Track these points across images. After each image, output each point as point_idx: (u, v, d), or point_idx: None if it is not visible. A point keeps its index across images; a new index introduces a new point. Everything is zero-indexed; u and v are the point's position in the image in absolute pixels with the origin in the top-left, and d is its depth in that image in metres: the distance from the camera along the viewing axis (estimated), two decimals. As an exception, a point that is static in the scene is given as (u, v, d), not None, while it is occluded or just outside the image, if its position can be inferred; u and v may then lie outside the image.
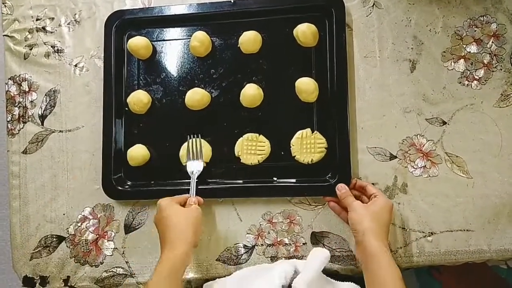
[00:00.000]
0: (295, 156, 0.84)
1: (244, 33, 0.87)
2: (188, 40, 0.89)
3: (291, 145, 0.84)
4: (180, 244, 0.71)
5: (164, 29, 0.92)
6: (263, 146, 0.85)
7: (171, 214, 0.74)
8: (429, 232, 0.80)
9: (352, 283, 0.74)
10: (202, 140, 0.86)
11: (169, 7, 0.91)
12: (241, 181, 0.86)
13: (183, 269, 0.71)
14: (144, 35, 0.91)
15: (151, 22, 0.92)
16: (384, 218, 0.72)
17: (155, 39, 0.92)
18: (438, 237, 0.80)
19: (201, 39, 0.87)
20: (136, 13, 0.92)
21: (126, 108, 0.90)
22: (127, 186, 0.88)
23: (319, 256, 0.71)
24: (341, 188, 0.78)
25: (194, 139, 0.86)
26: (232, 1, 0.89)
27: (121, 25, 0.91)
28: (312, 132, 0.84)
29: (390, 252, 0.69)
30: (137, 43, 0.88)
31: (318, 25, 0.85)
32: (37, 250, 0.90)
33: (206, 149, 0.86)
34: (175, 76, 0.90)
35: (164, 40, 0.92)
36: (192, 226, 0.74)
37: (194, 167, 0.85)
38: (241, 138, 0.86)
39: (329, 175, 0.83)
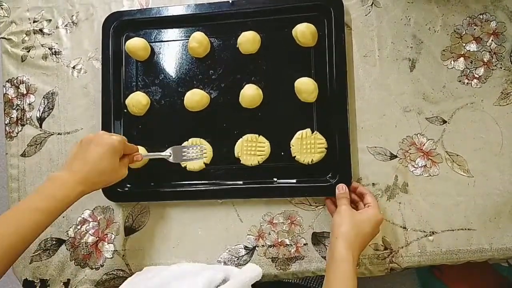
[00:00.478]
0: (295, 156, 0.83)
1: (243, 33, 0.87)
2: (187, 41, 0.89)
3: (291, 146, 0.84)
4: (91, 185, 0.71)
5: (162, 30, 0.91)
6: (263, 146, 0.85)
7: (106, 154, 0.72)
8: (430, 232, 0.80)
9: None
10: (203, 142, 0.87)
11: (167, 8, 0.90)
12: (241, 182, 0.85)
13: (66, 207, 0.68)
14: (142, 37, 0.91)
15: (149, 23, 0.91)
16: (365, 230, 0.71)
17: (153, 40, 0.91)
18: (439, 237, 0.80)
19: (199, 40, 0.86)
20: (133, 14, 0.91)
21: (125, 110, 0.89)
22: (126, 188, 0.88)
23: (249, 272, 0.69)
24: (341, 189, 0.78)
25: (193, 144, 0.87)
26: (231, 2, 0.88)
27: (118, 26, 0.91)
28: (312, 132, 0.83)
29: (356, 265, 0.68)
30: (135, 45, 0.88)
31: (317, 25, 0.85)
32: (37, 253, 0.90)
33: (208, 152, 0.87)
34: (174, 77, 0.90)
35: (162, 41, 0.91)
36: (111, 180, 0.74)
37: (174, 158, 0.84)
38: (240, 139, 0.85)
39: (330, 175, 0.82)
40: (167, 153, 0.84)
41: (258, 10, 0.88)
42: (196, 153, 0.84)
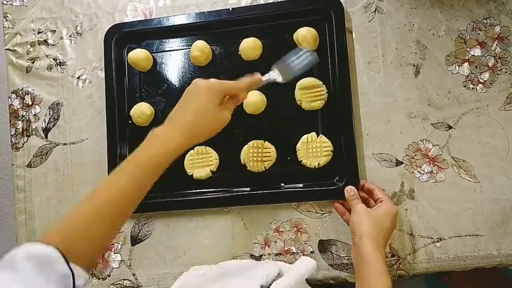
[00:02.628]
0: (301, 160, 0.83)
1: (244, 40, 0.87)
2: (188, 50, 0.89)
3: (297, 150, 0.84)
4: (191, 140, 0.65)
5: (163, 40, 0.92)
6: (269, 152, 0.84)
7: (202, 102, 0.65)
8: (437, 238, 0.80)
9: None
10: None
11: (168, 18, 0.90)
12: (248, 189, 0.85)
13: (170, 161, 0.63)
14: (144, 47, 0.91)
15: (151, 34, 0.92)
16: (385, 224, 0.71)
17: (155, 51, 0.92)
18: (446, 243, 0.79)
19: (201, 48, 0.87)
20: (135, 25, 0.92)
21: (130, 121, 0.89)
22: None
23: (306, 264, 0.70)
24: (350, 191, 0.78)
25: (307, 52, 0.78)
26: (231, 9, 0.88)
27: (120, 38, 0.92)
28: (317, 136, 0.83)
29: (385, 260, 0.68)
30: (137, 56, 0.88)
31: (318, 28, 0.85)
32: (44, 264, 0.90)
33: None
34: (177, 86, 0.90)
35: (164, 51, 0.92)
36: (214, 130, 0.67)
37: (276, 71, 0.75)
38: (246, 146, 0.85)
39: (337, 178, 0.82)
40: (275, 75, 0.74)
41: (258, 16, 0.88)
42: (303, 58, 0.77)
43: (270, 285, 0.65)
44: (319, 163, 0.82)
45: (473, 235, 0.79)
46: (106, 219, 0.57)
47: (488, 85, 0.81)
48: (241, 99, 0.71)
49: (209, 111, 0.65)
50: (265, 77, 0.73)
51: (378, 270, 0.66)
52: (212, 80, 0.67)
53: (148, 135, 0.64)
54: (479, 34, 0.83)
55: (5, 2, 1.01)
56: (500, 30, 0.82)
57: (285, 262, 0.81)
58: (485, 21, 0.83)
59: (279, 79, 0.75)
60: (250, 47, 0.86)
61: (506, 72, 0.81)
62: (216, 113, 0.66)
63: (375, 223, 0.71)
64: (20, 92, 0.97)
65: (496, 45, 0.82)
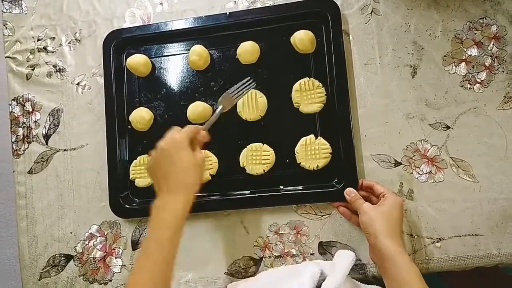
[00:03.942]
0: (300, 163, 0.84)
1: (242, 44, 0.87)
2: (187, 54, 0.90)
3: (295, 152, 0.84)
4: (188, 195, 0.68)
5: (162, 46, 0.92)
6: (268, 155, 0.85)
7: (179, 156, 0.69)
8: (437, 238, 0.80)
9: (378, 286, 0.74)
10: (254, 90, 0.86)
11: (166, 23, 0.91)
12: (248, 192, 0.86)
13: (184, 220, 0.67)
14: (142, 53, 0.92)
15: (149, 39, 0.92)
16: (395, 217, 0.72)
17: (153, 56, 0.92)
18: (446, 243, 0.79)
19: (199, 53, 0.87)
20: (133, 31, 0.92)
21: (129, 126, 0.90)
22: (134, 204, 0.88)
23: (347, 258, 0.70)
24: (350, 193, 0.78)
25: (247, 82, 0.83)
26: (228, 13, 0.89)
27: (119, 44, 0.92)
28: (316, 138, 0.83)
29: (406, 251, 0.68)
30: (136, 61, 0.89)
31: (315, 31, 0.85)
32: (46, 269, 0.91)
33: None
34: (175, 91, 0.91)
35: (162, 56, 0.92)
36: (200, 174, 0.71)
37: (222, 101, 0.81)
38: (245, 149, 0.86)
39: (336, 180, 0.82)
40: (220, 107, 0.80)
41: (255, 20, 0.88)
42: (243, 89, 0.82)
43: (318, 286, 0.66)
44: (318, 165, 0.83)
45: (472, 235, 0.79)
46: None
47: (485, 85, 0.81)
48: (204, 140, 0.76)
49: (188, 162, 0.69)
50: (215, 113, 0.79)
51: (405, 263, 0.66)
52: (175, 134, 0.71)
53: (151, 212, 0.67)
54: (475, 34, 0.83)
55: (4, 10, 1.02)
56: (496, 29, 0.82)
57: (324, 260, 0.81)
58: (482, 21, 0.83)
59: (222, 109, 0.81)
60: (247, 51, 0.87)
61: (503, 72, 0.81)
62: (194, 160, 0.70)
63: (386, 218, 0.71)
64: (21, 99, 0.98)
65: (493, 44, 0.82)
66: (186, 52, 0.90)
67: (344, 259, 0.70)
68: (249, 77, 0.83)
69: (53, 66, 0.98)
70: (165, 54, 0.92)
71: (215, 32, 0.90)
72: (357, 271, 0.81)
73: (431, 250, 0.80)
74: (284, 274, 0.77)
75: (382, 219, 0.71)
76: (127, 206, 0.88)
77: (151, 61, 0.91)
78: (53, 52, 0.98)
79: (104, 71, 0.92)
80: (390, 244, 0.68)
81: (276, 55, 0.88)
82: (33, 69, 0.98)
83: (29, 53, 0.99)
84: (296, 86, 0.85)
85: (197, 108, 0.87)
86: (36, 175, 0.94)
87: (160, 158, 0.70)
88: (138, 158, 0.89)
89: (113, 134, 0.89)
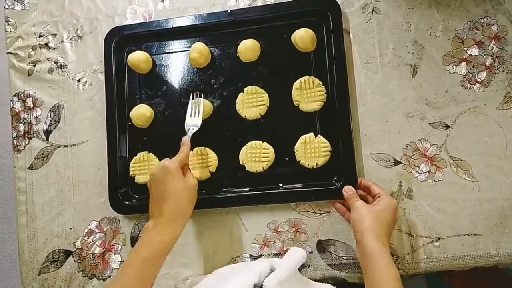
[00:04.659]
0: (299, 161, 0.84)
1: (242, 41, 0.87)
2: (187, 51, 0.90)
3: (295, 150, 0.84)
4: (180, 222, 0.72)
5: (163, 43, 0.93)
6: (267, 153, 0.85)
7: (173, 184, 0.72)
8: (436, 238, 0.80)
9: (329, 284, 0.74)
10: (204, 99, 0.87)
11: (167, 20, 0.91)
12: (247, 189, 0.86)
13: (170, 248, 0.71)
14: (143, 50, 0.92)
15: (150, 37, 0.93)
16: (386, 218, 0.71)
17: (154, 53, 0.92)
18: (445, 242, 0.79)
19: (200, 50, 0.87)
20: (134, 28, 0.92)
21: (130, 123, 0.90)
22: (134, 201, 0.89)
23: (295, 254, 0.70)
24: (348, 190, 0.78)
25: (196, 98, 0.86)
26: (229, 11, 0.89)
27: (120, 41, 0.92)
28: (315, 136, 0.84)
29: (390, 253, 0.68)
30: (137, 58, 0.89)
31: (315, 29, 0.85)
32: (45, 265, 0.91)
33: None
34: (176, 88, 0.91)
35: (163, 53, 0.92)
36: (192, 200, 0.74)
37: (191, 123, 0.84)
38: (245, 146, 0.86)
39: (335, 178, 0.82)
40: (191, 130, 0.83)
41: (256, 18, 0.88)
42: (196, 104, 0.85)
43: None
44: (317, 163, 0.83)
45: (471, 234, 0.79)
46: None
47: (485, 85, 0.81)
48: (188, 164, 0.79)
49: (181, 189, 0.72)
50: (188, 137, 0.81)
51: (384, 263, 0.66)
52: (166, 163, 0.74)
53: (142, 234, 0.72)
54: (476, 33, 0.83)
55: (6, 7, 1.03)
56: (497, 29, 0.82)
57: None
58: (482, 21, 0.83)
59: (195, 129, 0.83)
60: (248, 48, 0.87)
61: (503, 71, 0.81)
62: (185, 187, 0.73)
63: (376, 218, 0.71)
64: (22, 95, 0.98)
65: (493, 44, 0.82)
66: (187, 49, 0.91)
67: (292, 256, 0.70)
68: (194, 93, 0.86)
69: (55, 62, 0.98)
70: (166, 51, 0.92)
71: (216, 30, 0.90)
72: (356, 269, 0.81)
73: (429, 250, 0.80)
74: (237, 270, 0.77)
75: (371, 217, 0.71)
76: (127, 203, 0.88)
77: (152, 58, 0.92)
78: (54, 49, 0.99)
79: (105, 68, 0.92)
80: (374, 243, 0.67)
81: (277, 53, 0.88)
82: (34, 65, 0.98)
83: (30, 49, 0.99)
84: (296, 84, 0.85)
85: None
86: (36, 170, 0.95)
87: (153, 185, 0.74)
88: (138, 154, 0.89)
89: (114, 131, 0.89)
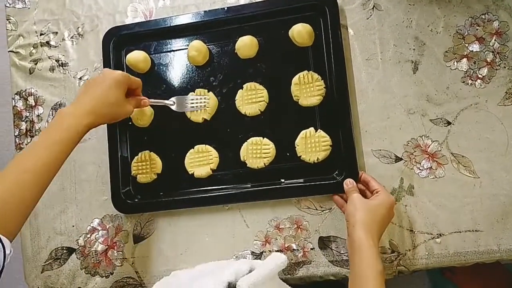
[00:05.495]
0: (300, 156, 0.84)
1: (240, 38, 0.87)
2: (186, 50, 0.90)
3: (295, 146, 0.84)
4: (97, 121, 0.75)
5: (161, 42, 0.93)
6: (268, 148, 0.85)
7: (114, 92, 0.76)
8: (437, 234, 0.80)
9: None
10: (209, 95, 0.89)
11: (164, 19, 0.91)
12: (249, 185, 0.86)
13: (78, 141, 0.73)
14: (141, 49, 0.92)
15: (148, 36, 0.92)
16: (380, 214, 0.71)
17: (153, 52, 0.93)
18: (446, 239, 0.79)
19: (198, 48, 0.87)
20: (132, 27, 0.92)
21: (130, 122, 0.90)
22: (136, 200, 0.89)
23: (274, 259, 0.69)
24: (349, 183, 0.78)
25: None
26: (226, 8, 0.89)
27: (118, 41, 0.92)
28: (316, 131, 0.84)
29: (378, 249, 0.68)
30: (135, 58, 0.90)
31: (313, 24, 0.85)
32: (48, 262, 0.92)
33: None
34: (175, 86, 0.91)
35: (162, 52, 0.92)
36: (116, 117, 0.79)
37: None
38: (245, 143, 0.86)
39: (336, 172, 0.83)
40: (171, 102, 0.87)
41: (253, 14, 0.88)
42: (199, 102, 0.87)
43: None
44: (318, 158, 0.83)
45: (473, 231, 0.79)
46: (29, 186, 0.66)
47: (486, 81, 0.81)
48: (143, 105, 0.84)
49: (114, 98, 0.76)
50: (165, 102, 0.87)
51: (370, 256, 0.66)
52: (118, 72, 0.78)
53: (56, 116, 0.73)
54: (477, 29, 0.83)
55: (8, 5, 1.03)
56: (498, 25, 0.82)
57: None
58: (483, 17, 0.83)
59: (174, 106, 0.87)
60: (246, 45, 0.87)
61: (504, 67, 0.81)
62: (121, 102, 0.78)
63: (369, 212, 0.71)
64: (24, 93, 0.98)
65: (495, 40, 0.82)
66: (185, 47, 0.91)
67: (272, 261, 0.68)
68: (208, 98, 0.88)
69: (56, 60, 0.98)
70: (164, 50, 0.92)
71: (214, 27, 0.90)
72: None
73: (431, 246, 0.80)
74: (218, 267, 0.76)
75: (365, 211, 0.71)
76: (129, 202, 0.88)
77: (150, 57, 0.92)
78: (55, 47, 0.99)
79: (104, 67, 0.92)
80: (363, 235, 0.67)
81: (275, 49, 0.88)
82: (36, 64, 0.99)
83: (32, 48, 1.00)
84: (295, 79, 0.85)
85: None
86: (38, 168, 0.95)
87: (98, 80, 0.77)
88: (139, 154, 0.89)
89: (114, 130, 0.90)
